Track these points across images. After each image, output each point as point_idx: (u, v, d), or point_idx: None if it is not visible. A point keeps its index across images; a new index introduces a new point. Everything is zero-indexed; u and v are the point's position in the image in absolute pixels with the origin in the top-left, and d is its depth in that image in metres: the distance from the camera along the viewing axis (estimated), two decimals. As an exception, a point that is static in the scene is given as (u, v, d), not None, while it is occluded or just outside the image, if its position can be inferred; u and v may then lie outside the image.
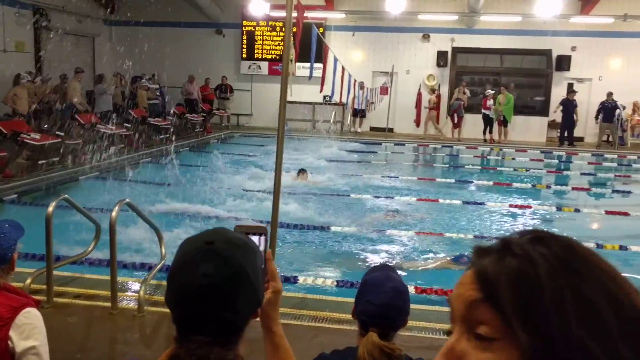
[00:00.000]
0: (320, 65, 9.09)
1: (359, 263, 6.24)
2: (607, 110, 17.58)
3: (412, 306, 4.70)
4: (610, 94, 17.65)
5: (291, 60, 7.41)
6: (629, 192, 11.07)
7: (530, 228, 0.72)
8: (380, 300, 1.83)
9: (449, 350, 0.67)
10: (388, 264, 2.24)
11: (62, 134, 11.63)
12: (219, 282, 1.05)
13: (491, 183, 11.33)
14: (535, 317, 0.60)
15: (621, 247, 6.79)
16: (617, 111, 17.70)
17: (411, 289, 4.88)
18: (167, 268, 5.23)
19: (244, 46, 20.48)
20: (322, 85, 8.73)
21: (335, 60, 10.05)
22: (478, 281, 0.66)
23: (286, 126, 15.33)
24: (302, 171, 10.49)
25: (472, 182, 11.50)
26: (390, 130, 19.71)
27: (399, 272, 5.83)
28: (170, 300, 1.09)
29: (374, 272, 2.00)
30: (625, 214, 8.78)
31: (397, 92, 19.84)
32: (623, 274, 0.65)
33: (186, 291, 1.06)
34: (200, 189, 9.48)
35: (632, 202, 10.18)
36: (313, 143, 16.31)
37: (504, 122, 18.09)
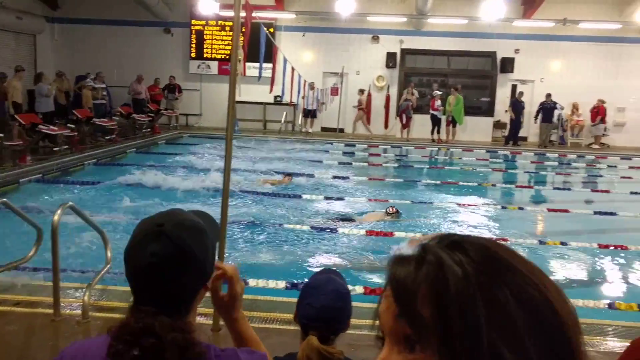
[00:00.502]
0: (270, 65, 9.06)
1: (311, 263, 6.25)
2: (546, 110, 18.23)
3: (362, 305, 4.71)
4: (548, 95, 18.31)
5: (240, 60, 7.35)
6: (569, 189, 11.51)
7: (448, 232, 0.72)
8: (321, 304, 1.81)
9: None
10: (333, 268, 2.23)
11: (2, 135, 11.16)
12: (166, 260, 1.18)
13: (439, 182, 11.56)
14: (448, 326, 0.60)
15: (562, 243, 7.04)
16: (557, 112, 18.38)
17: (360, 289, 4.94)
18: (114, 272, 5.10)
19: (193, 45, 20.19)
20: (271, 85, 8.70)
21: (285, 60, 10.04)
22: (394, 294, 0.65)
23: (237, 126, 15.26)
24: (288, 175, 10.48)
25: (420, 181, 11.70)
26: (341, 130, 19.86)
27: (350, 271, 5.85)
28: (127, 276, 1.23)
29: (317, 276, 2.00)
30: (566, 211, 9.12)
31: (348, 92, 20.00)
32: (540, 269, 0.66)
33: (137, 268, 1.20)
34: (148, 191, 9.29)
35: (571, 199, 10.58)
36: (265, 143, 16.26)
37: (452, 123, 18.50)
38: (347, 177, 11.62)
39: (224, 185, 4.32)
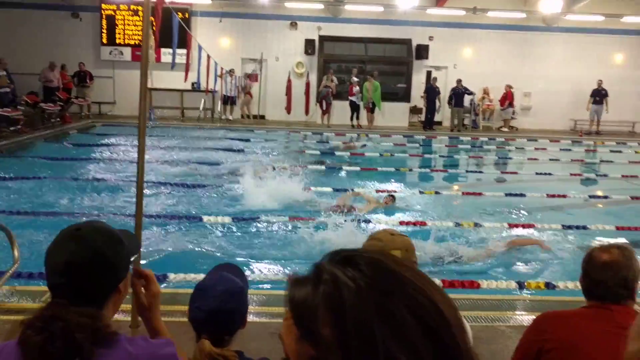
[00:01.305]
0: (184, 51, 8.78)
1: (230, 254, 6.18)
2: (457, 95, 18.94)
3: (269, 292, 4.68)
4: (459, 81, 19.01)
5: (152, 47, 7.09)
6: (482, 172, 12.03)
7: (339, 248, 0.73)
8: (209, 306, 1.76)
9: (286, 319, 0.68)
10: (229, 263, 2.19)
11: None
12: (80, 259, 1.33)
13: (359, 169, 11.74)
14: (347, 342, 0.61)
15: (476, 225, 7.36)
16: (470, 96, 19.15)
17: (262, 276, 4.91)
18: (20, 273, 4.81)
19: (104, 31, 19.28)
20: (186, 72, 8.45)
21: (200, 47, 9.79)
22: (294, 317, 0.67)
23: (152, 114, 14.75)
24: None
25: (341, 168, 11.84)
26: (262, 117, 19.73)
27: (262, 262, 5.79)
28: (46, 274, 1.37)
29: (209, 275, 1.94)
30: (479, 194, 9.54)
31: (268, 79, 19.87)
32: (425, 276, 0.69)
33: (54, 265, 1.34)
34: (58, 184, 8.83)
35: (484, 181, 11.08)
36: (183, 131, 15.87)
37: (372, 109, 18.82)
38: (270, 164, 11.56)
39: (137, 175, 4.17)
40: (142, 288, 1.63)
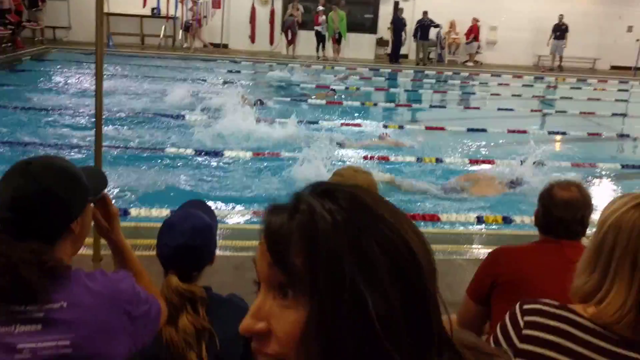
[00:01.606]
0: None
1: (194, 187, 6.15)
2: (423, 28, 18.68)
3: (233, 226, 4.69)
4: (425, 13, 18.68)
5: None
6: (445, 107, 12.11)
7: (320, 181, 0.73)
8: (177, 243, 1.76)
9: (256, 310, 0.68)
10: (201, 199, 2.20)
11: None
12: (26, 194, 1.30)
13: (324, 102, 11.64)
14: (317, 272, 0.63)
15: (437, 160, 7.48)
16: (437, 29, 18.93)
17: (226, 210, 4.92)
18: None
19: (55, -52, 18.09)
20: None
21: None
22: (267, 243, 0.67)
23: (111, 41, 14.20)
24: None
25: (306, 101, 11.72)
26: (225, 46, 19.19)
27: (226, 195, 5.76)
28: None
29: (176, 211, 1.93)
30: (442, 128, 9.63)
31: (231, 6, 19.17)
32: (403, 214, 0.70)
33: (2, 199, 1.32)
34: (10, 114, 8.52)
35: (447, 116, 11.17)
36: (143, 59, 15.35)
37: (338, 40, 18.46)
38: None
39: (96, 105, 4.05)
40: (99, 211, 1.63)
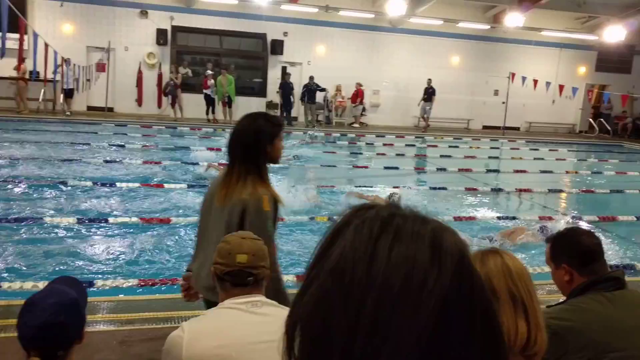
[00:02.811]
0: (17, 36, 7.99)
1: (72, 258, 5.77)
2: (310, 92, 19.45)
3: (117, 298, 4.45)
4: (311, 78, 19.52)
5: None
6: (335, 166, 12.46)
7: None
8: (37, 321, 1.65)
9: None
10: (71, 276, 2.09)
11: None
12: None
13: (217, 164, 11.57)
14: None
15: (329, 218, 7.62)
16: (323, 93, 19.74)
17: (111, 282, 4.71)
18: None
19: None
20: (19, 60, 7.69)
21: (36, 35, 8.99)
22: None
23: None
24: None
25: (197, 163, 11.59)
26: (110, 109, 18.67)
27: (110, 267, 5.49)
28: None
29: (41, 289, 1.82)
30: (332, 186, 9.88)
31: (116, 69, 18.82)
32: None
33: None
34: None
35: (337, 175, 11.47)
36: (21, 124, 14.50)
37: (228, 103, 18.62)
38: (120, 161, 11.00)
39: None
40: None
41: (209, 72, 18.42)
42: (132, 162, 11.06)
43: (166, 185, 9.15)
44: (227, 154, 2.73)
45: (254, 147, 2.65)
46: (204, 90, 18.41)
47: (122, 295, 4.60)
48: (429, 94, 20.53)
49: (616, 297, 2.24)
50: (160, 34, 19.12)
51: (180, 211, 7.68)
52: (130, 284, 4.80)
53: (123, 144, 13.28)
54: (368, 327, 0.58)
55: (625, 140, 22.16)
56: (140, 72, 18.96)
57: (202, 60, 19.91)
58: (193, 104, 18.82)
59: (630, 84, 23.38)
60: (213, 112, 18.67)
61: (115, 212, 7.40)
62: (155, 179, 9.64)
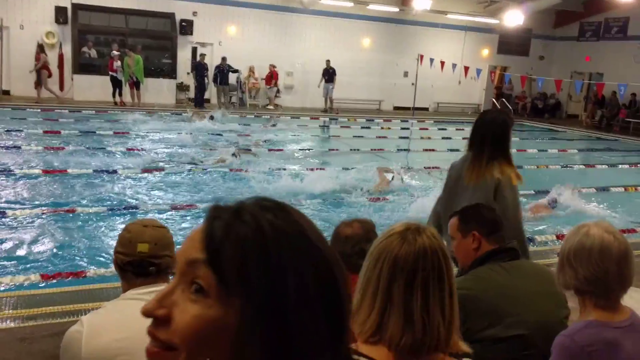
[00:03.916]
0: None
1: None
2: (222, 74, 19.07)
3: (17, 294, 4.26)
4: (224, 59, 19.14)
5: None
6: (250, 150, 12.34)
7: (261, 195, 0.77)
8: None
9: (162, 297, 0.72)
10: None
11: None
12: None
13: (124, 149, 11.15)
14: (253, 282, 0.67)
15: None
16: (236, 74, 19.44)
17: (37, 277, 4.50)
18: None
19: None
20: None
21: None
22: (205, 242, 0.70)
23: None
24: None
25: (104, 148, 11.12)
26: (6, 92, 17.48)
27: (10, 260, 5.22)
28: None
29: None
30: (246, 171, 9.79)
31: (11, 49, 17.57)
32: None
33: None
34: None
35: (250, 159, 11.37)
36: None
37: (136, 85, 17.91)
38: (19, 147, 10.35)
39: None
40: None
41: (115, 52, 17.60)
42: (31, 148, 10.43)
43: (70, 171, 8.72)
44: (474, 140, 3.33)
45: (502, 136, 3.27)
46: (110, 72, 17.59)
47: (22, 291, 4.36)
48: (330, 74, 20.69)
49: (512, 267, 2.42)
50: (60, 12, 17.99)
51: (85, 201, 7.35)
52: (32, 280, 4.54)
53: (22, 129, 12.49)
54: None
55: (525, 119, 23.51)
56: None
57: (106, 41, 18.96)
58: (97, 86, 17.95)
59: (529, 66, 24.79)
60: (120, 95, 17.90)
61: (15, 203, 6.97)
62: (58, 166, 9.15)
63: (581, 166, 13.22)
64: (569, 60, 24.91)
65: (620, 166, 13.46)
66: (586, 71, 24.43)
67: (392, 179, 9.41)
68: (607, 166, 13.23)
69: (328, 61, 20.61)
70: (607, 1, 19.86)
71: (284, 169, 9.88)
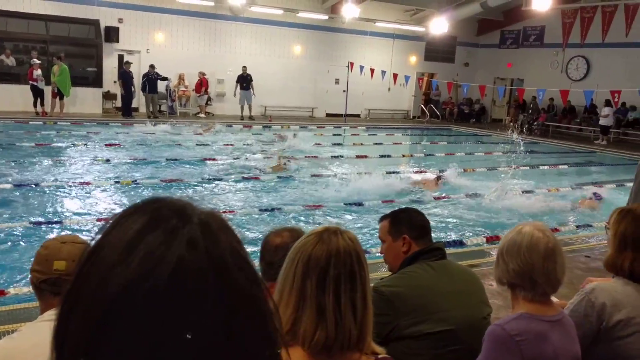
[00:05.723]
0: None
1: None
2: (151, 81, 18.58)
3: None
4: (152, 66, 18.68)
5: None
6: (177, 159, 12.09)
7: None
8: None
9: None
10: None
11: None
12: None
13: (51, 162, 10.65)
14: None
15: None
16: (165, 82, 19.01)
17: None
18: None
19: None
20: None
21: None
22: None
23: None
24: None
25: (34, 159, 10.60)
26: None
27: None
28: None
29: None
30: (181, 180, 9.58)
31: None
32: None
33: None
34: None
35: (183, 172, 11.14)
36: None
37: (59, 95, 17.13)
38: None
39: None
40: None
41: (36, 61, 16.79)
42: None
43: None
44: None
45: None
46: (30, 81, 16.76)
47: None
48: (247, 81, 20.24)
49: (439, 265, 2.53)
50: (-27, 18, 17.02)
51: (6, 215, 6.96)
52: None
53: None
54: None
55: (452, 124, 24.32)
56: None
57: (26, 48, 18.09)
58: (16, 95, 17.09)
59: (454, 72, 25.67)
60: (42, 104, 17.08)
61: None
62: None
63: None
64: (492, 67, 26.00)
65: (541, 167, 14.14)
66: (508, 77, 25.58)
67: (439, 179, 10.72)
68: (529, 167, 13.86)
69: (244, 67, 20.29)
70: (524, 11, 20.85)
71: (219, 180, 9.74)
